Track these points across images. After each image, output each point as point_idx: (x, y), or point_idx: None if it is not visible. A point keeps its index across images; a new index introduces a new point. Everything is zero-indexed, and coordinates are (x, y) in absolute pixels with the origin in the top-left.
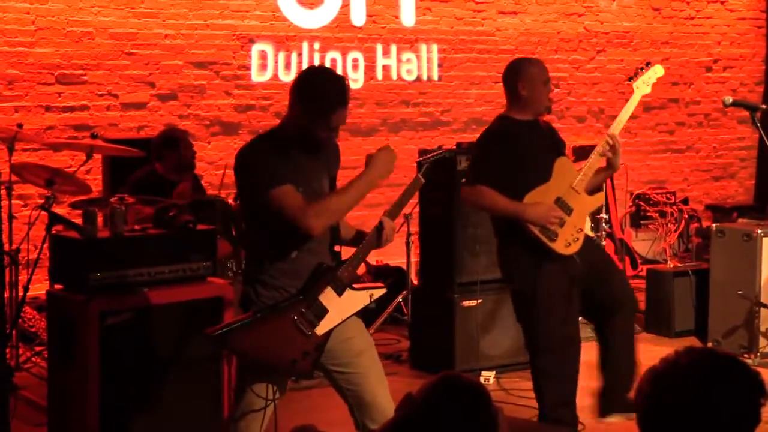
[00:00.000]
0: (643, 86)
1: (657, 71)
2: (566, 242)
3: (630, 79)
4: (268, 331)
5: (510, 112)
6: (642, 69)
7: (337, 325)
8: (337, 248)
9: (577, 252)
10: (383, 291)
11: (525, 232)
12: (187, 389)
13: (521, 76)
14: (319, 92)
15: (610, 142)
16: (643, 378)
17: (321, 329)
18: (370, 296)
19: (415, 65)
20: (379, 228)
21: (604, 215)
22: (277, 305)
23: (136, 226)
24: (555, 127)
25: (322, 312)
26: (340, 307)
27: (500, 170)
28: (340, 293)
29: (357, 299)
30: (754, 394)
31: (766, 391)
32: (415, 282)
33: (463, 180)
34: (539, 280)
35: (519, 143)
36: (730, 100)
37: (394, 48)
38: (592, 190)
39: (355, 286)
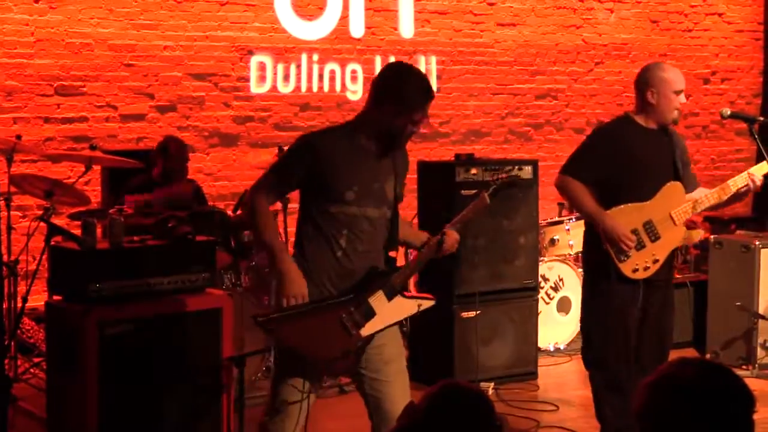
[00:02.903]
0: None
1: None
2: (635, 267)
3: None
4: (314, 325)
5: (635, 115)
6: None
7: (382, 329)
8: (393, 254)
9: (645, 282)
10: (432, 303)
11: (600, 239)
12: (187, 400)
13: (651, 82)
14: (404, 87)
15: (753, 182)
16: (638, 390)
17: (366, 331)
18: (419, 306)
19: None
20: (441, 239)
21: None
22: (326, 300)
23: (135, 237)
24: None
25: (370, 314)
26: (388, 312)
27: (604, 172)
28: (390, 298)
29: (405, 307)
30: (746, 405)
31: (755, 401)
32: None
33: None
34: (614, 296)
35: (633, 151)
36: (728, 112)
37: (392, 59)
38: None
39: (405, 293)
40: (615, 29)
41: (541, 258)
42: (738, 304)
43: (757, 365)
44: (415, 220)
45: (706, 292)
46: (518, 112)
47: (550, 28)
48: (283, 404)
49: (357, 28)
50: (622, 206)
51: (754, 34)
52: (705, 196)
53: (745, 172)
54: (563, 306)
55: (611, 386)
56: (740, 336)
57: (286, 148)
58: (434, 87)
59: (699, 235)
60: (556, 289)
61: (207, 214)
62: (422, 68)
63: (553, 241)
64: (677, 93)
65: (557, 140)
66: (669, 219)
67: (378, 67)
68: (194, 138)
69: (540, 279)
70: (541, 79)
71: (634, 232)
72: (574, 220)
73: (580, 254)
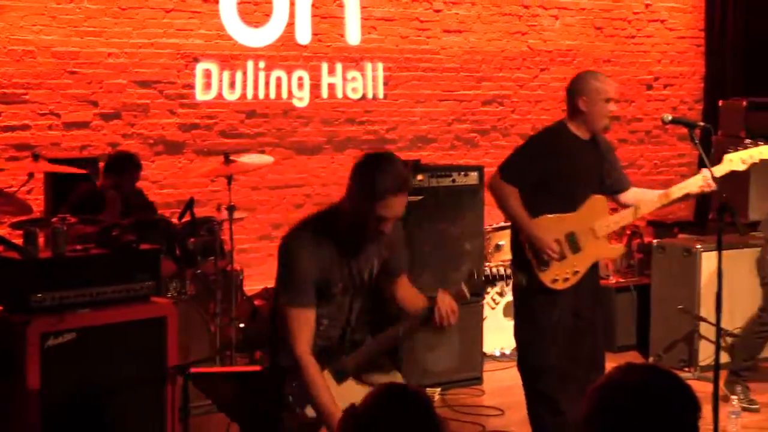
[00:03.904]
0: (737, 162)
1: (763, 153)
2: (554, 277)
3: (730, 149)
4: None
5: (568, 123)
6: (750, 143)
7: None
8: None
9: (570, 292)
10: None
11: (523, 248)
12: (131, 410)
13: (581, 91)
14: (369, 177)
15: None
16: (586, 395)
17: (310, 412)
18: None
19: (360, 83)
20: (429, 308)
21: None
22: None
23: (78, 246)
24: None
25: None
26: (335, 395)
27: (536, 178)
28: (339, 381)
29: (355, 393)
30: (692, 411)
31: (701, 407)
32: None
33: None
34: (538, 304)
35: (565, 160)
36: (669, 118)
37: (339, 66)
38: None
39: (362, 377)
40: (560, 36)
41: (487, 263)
42: (680, 307)
43: (699, 367)
44: None
45: (649, 296)
46: (464, 118)
47: (496, 35)
48: None
49: (303, 35)
50: (546, 216)
51: (696, 41)
52: (645, 204)
53: (694, 178)
54: (509, 311)
55: (542, 393)
56: (682, 339)
57: (231, 157)
58: (381, 94)
59: (621, 250)
60: (501, 294)
61: (152, 223)
62: (368, 74)
63: (498, 247)
64: (608, 101)
65: (503, 146)
66: (591, 232)
67: (325, 74)
68: (139, 146)
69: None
70: (487, 86)
71: (556, 242)
72: None
73: None
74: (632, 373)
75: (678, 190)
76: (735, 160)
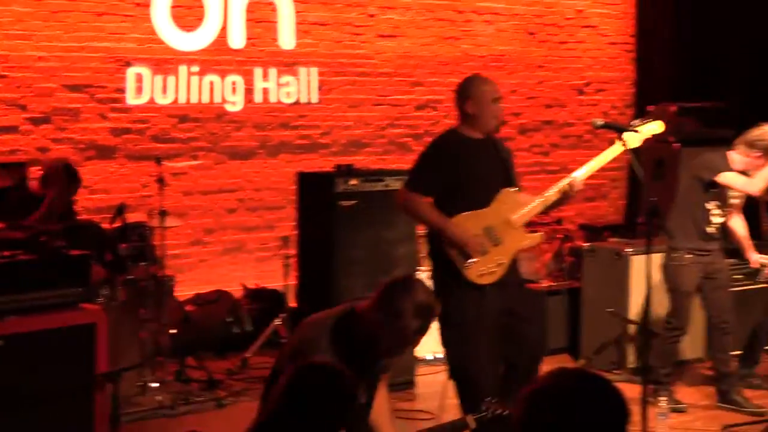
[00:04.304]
0: (632, 139)
1: (654, 128)
2: (480, 272)
3: (621, 129)
4: None
5: (461, 127)
6: (640, 122)
7: None
8: None
9: (496, 286)
10: None
11: (444, 251)
12: (59, 419)
13: (468, 96)
14: (402, 324)
15: (569, 188)
16: (518, 399)
17: None
18: None
19: (294, 88)
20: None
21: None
22: None
23: (6, 252)
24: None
25: None
26: None
27: (439, 183)
28: None
29: None
30: (622, 417)
31: (630, 411)
32: (293, 305)
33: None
34: (463, 305)
35: (463, 161)
36: (600, 123)
37: (273, 71)
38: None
39: None
40: (493, 41)
41: (420, 268)
42: (610, 310)
43: (628, 369)
44: (294, 232)
45: (580, 299)
46: (398, 122)
47: (430, 40)
48: None
49: (237, 39)
50: (461, 215)
51: (626, 47)
52: (535, 199)
53: (567, 178)
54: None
55: (466, 394)
56: (612, 341)
57: (163, 161)
58: (315, 99)
59: (539, 238)
60: None
61: (82, 228)
62: (302, 79)
63: None
64: (495, 101)
65: None
66: (508, 223)
67: (258, 79)
68: (70, 150)
69: None
70: (420, 90)
71: (477, 237)
72: None
73: None
74: (563, 377)
75: (552, 195)
76: (629, 138)
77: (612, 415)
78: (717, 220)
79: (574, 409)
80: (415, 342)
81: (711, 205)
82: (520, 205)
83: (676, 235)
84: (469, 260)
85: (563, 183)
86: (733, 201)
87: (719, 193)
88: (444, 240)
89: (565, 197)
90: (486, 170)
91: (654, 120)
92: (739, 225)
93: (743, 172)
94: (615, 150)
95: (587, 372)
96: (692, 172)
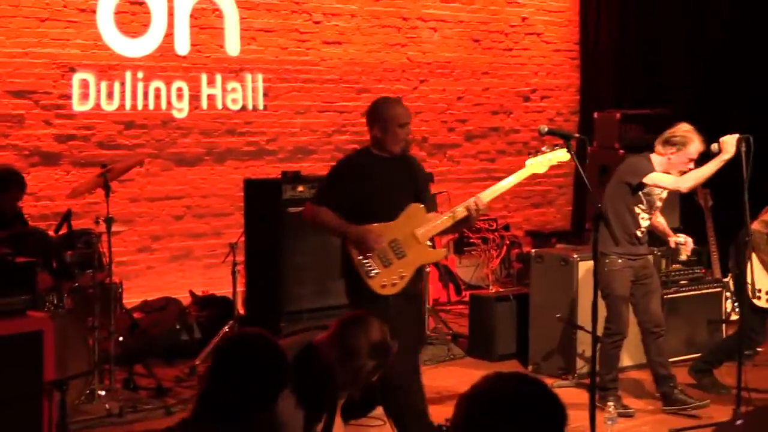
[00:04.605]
0: (538, 165)
1: (560, 157)
2: (383, 283)
3: (532, 153)
4: None
5: (371, 146)
6: (548, 149)
7: None
8: None
9: (401, 297)
10: None
11: (349, 261)
12: (6, 427)
13: (376, 119)
14: (357, 362)
15: (475, 207)
16: (456, 404)
17: None
18: None
19: (240, 94)
20: None
21: (428, 243)
22: None
23: None
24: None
25: None
26: None
27: (346, 197)
28: None
29: None
30: (559, 420)
31: (567, 416)
32: (242, 311)
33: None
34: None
35: (371, 178)
36: (546, 129)
37: (219, 77)
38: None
39: None
40: (438, 48)
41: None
42: (558, 315)
43: (576, 374)
44: (242, 239)
45: (528, 305)
46: (344, 129)
47: (376, 47)
48: None
49: (182, 45)
50: (368, 225)
51: (571, 54)
52: (441, 216)
53: (472, 198)
54: None
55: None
56: (560, 347)
57: (108, 166)
58: (261, 105)
59: (442, 253)
60: None
61: (28, 235)
62: (248, 85)
63: None
64: (402, 126)
65: None
66: (413, 238)
67: (204, 85)
68: (14, 157)
69: None
70: (366, 97)
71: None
72: None
73: None
74: (500, 382)
75: (460, 212)
76: (535, 164)
77: (549, 419)
78: (645, 223)
79: (511, 413)
80: (371, 380)
81: (639, 209)
82: (426, 221)
83: (606, 241)
84: (374, 271)
85: (469, 201)
86: (658, 203)
87: (645, 196)
88: (348, 241)
89: (470, 216)
90: (393, 186)
91: (561, 148)
92: (657, 219)
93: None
94: (522, 174)
95: (524, 376)
96: (618, 178)
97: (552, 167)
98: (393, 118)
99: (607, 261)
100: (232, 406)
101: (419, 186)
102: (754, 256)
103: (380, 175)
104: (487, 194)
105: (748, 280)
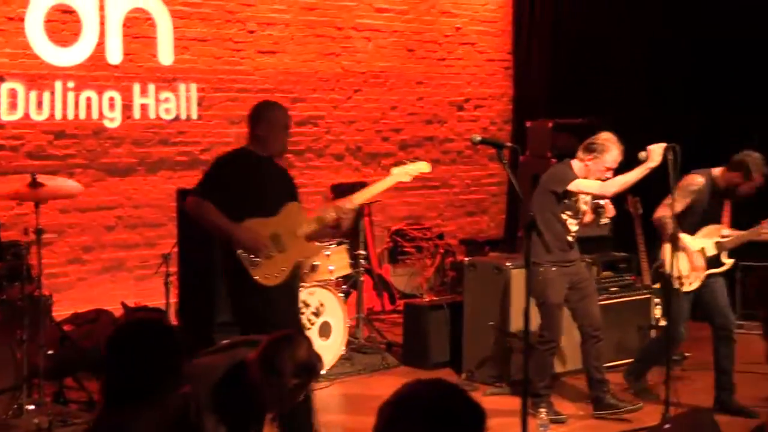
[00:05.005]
0: (402, 174)
1: (422, 168)
2: (266, 275)
3: (397, 163)
4: None
5: (250, 145)
6: (410, 161)
7: None
8: None
9: (282, 289)
10: None
11: (234, 255)
12: None
13: (261, 119)
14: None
15: (346, 210)
16: (378, 410)
17: None
18: None
19: (173, 104)
20: None
21: (362, 251)
22: None
23: None
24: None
25: None
26: None
27: (229, 192)
28: None
29: None
30: (476, 424)
31: (486, 420)
32: (175, 322)
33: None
34: (251, 306)
35: (252, 173)
36: (478, 138)
37: (152, 87)
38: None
39: None
40: (372, 57)
41: (302, 284)
42: (491, 323)
43: (510, 381)
44: (175, 249)
45: (462, 313)
46: None
47: (310, 56)
48: None
49: (114, 54)
50: (249, 220)
51: (504, 63)
52: (316, 214)
53: (343, 199)
54: (324, 331)
55: None
56: (494, 354)
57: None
58: (195, 115)
59: (319, 248)
60: (317, 314)
61: None
62: (182, 95)
63: (313, 267)
64: (285, 128)
65: (318, 166)
66: (293, 234)
67: (137, 95)
68: None
69: (301, 305)
70: (301, 106)
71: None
72: (334, 245)
73: (339, 279)
74: (420, 388)
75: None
76: (400, 173)
77: (467, 423)
78: (574, 228)
79: (431, 418)
80: (294, 399)
81: (566, 215)
82: (304, 218)
83: (539, 250)
84: (257, 262)
85: (340, 203)
86: (583, 207)
87: (571, 202)
88: (233, 241)
89: (340, 216)
90: (273, 184)
91: (421, 161)
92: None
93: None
94: (388, 181)
95: (443, 381)
96: (543, 187)
97: (487, 177)
98: (279, 120)
99: (541, 270)
100: (129, 392)
101: (293, 189)
102: (668, 246)
103: (260, 173)
104: (358, 197)
105: (674, 272)
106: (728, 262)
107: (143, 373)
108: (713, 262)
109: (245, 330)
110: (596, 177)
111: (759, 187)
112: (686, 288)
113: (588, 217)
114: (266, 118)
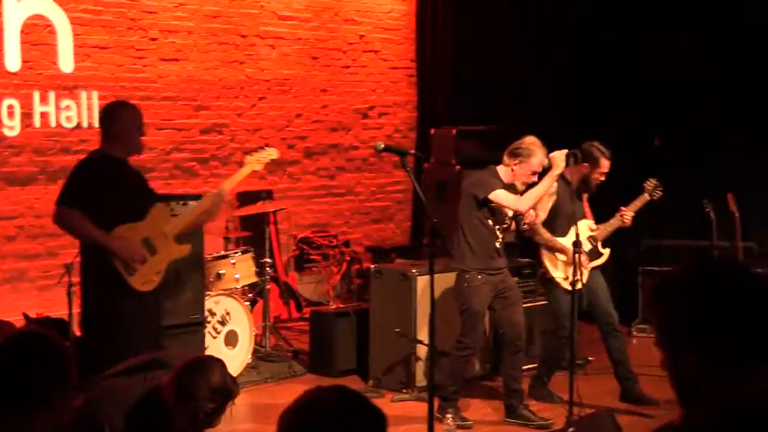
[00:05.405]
0: (255, 163)
1: (271, 154)
2: (144, 280)
3: (248, 152)
4: None
5: (106, 148)
6: (260, 149)
7: None
8: None
9: (154, 293)
10: None
11: (107, 263)
12: None
13: (115, 119)
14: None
15: (219, 197)
16: (278, 417)
17: None
18: None
19: (75, 112)
20: None
21: (268, 259)
22: None
23: None
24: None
25: None
26: None
27: (94, 199)
28: None
29: None
30: (380, 424)
31: (387, 426)
32: (78, 333)
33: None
34: (121, 313)
35: (114, 178)
36: (382, 146)
37: (52, 95)
38: (189, 235)
39: None
40: (277, 65)
41: (208, 292)
42: (397, 330)
43: (416, 388)
44: (77, 259)
45: (368, 320)
46: (183, 147)
47: (214, 64)
48: None
49: (12, 61)
50: (120, 227)
51: (408, 71)
52: (184, 213)
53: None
54: (231, 340)
55: None
56: (400, 361)
57: None
58: (97, 123)
59: (188, 249)
60: (223, 323)
61: None
62: (83, 103)
63: (219, 276)
64: (139, 127)
65: (223, 174)
66: (163, 235)
67: (37, 103)
68: None
69: (207, 313)
70: (205, 114)
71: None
72: (240, 253)
73: (245, 287)
74: (320, 395)
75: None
76: (252, 162)
77: (369, 430)
78: (501, 234)
79: (331, 424)
80: (211, 423)
81: (490, 222)
82: (169, 219)
83: (464, 257)
84: (132, 270)
85: (212, 193)
86: (510, 212)
87: (494, 209)
88: (107, 252)
89: (214, 205)
90: (136, 188)
91: (272, 148)
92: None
93: (512, 185)
94: (245, 170)
95: (344, 388)
96: (466, 190)
97: (392, 184)
98: (134, 118)
99: (467, 277)
100: (15, 400)
101: (151, 189)
102: (546, 252)
103: (122, 177)
104: (226, 185)
105: (554, 276)
106: (605, 251)
107: (26, 382)
108: (593, 254)
109: (116, 337)
110: (522, 181)
111: (607, 172)
112: (579, 285)
113: (513, 224)
114: (120, 117)
